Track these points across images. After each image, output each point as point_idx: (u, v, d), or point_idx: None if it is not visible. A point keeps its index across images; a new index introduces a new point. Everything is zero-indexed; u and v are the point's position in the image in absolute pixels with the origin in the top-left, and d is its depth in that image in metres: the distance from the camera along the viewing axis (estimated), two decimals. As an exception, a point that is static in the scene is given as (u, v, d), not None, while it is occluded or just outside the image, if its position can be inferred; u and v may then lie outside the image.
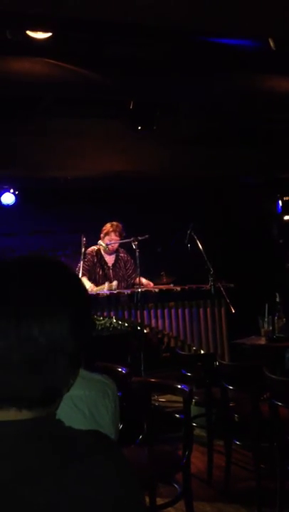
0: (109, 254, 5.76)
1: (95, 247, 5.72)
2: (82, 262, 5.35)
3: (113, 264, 5.77)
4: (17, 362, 0.82)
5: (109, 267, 5.75)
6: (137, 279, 5.46)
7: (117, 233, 5.63)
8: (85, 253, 5.51)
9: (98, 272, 5.70)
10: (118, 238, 5.63)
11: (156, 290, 5.48)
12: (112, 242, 5.62)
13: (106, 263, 5.75)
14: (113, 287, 5.45)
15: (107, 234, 5.64)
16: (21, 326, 0.82)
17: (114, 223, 5.67)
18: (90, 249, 5.70)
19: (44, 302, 0.85)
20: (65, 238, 7.39)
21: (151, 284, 5.66)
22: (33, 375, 0.83)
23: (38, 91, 4.78)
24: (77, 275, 0.95)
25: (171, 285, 5.72)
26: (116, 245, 5.71)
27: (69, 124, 6.19)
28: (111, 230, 5.63)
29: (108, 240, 5.63)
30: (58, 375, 0.85)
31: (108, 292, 5.32)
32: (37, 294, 0.85)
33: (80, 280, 0.95)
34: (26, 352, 0.82)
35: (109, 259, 5.78)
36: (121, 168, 6.47)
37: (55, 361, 0.84)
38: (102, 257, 5.73)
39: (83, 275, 5.35)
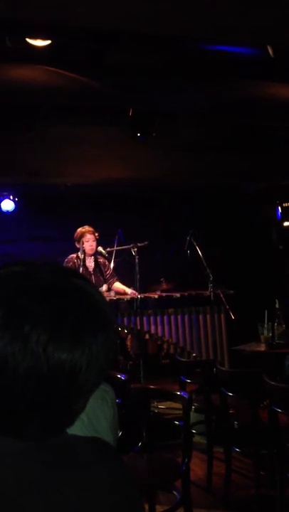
0: (89, 257, 5.69)
1: (74, 255, 5.66)
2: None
3: (93, 269, 5.72)
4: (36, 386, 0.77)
5: (90, 272, 5.69)
6: (115, 284, 5.55)
7: (91, 232, 5.58)
8: (67, 262, 5.52)
9: None
10: (93, 237, 5.58)
11: (156, 296, 5.48)
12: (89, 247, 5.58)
13: (87, 268, 5.69)
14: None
15: (82, 236, 5.57)
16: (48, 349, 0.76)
17: (85, 226, 5.63)
18: (69, 257, 5.66)
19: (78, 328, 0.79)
20: (65, 245, 7.39)
21: (128, 291, 5.58)
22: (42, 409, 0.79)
23: (38, 99, 4.80)
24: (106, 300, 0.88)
25: (174, 292, 5.72)
26: (93, 247, 5.62)
27: (69, 131, 6.21)
28: (84, 230, 5.58)
29: (85, 241, 5.56)
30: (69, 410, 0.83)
31: (108, 299, 5.31)
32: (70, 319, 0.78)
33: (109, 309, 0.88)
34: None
35: (89, 264, 5.72)
36: (120, 174, 6.49)
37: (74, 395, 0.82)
38: (84, 262, 5.60)
39: None
